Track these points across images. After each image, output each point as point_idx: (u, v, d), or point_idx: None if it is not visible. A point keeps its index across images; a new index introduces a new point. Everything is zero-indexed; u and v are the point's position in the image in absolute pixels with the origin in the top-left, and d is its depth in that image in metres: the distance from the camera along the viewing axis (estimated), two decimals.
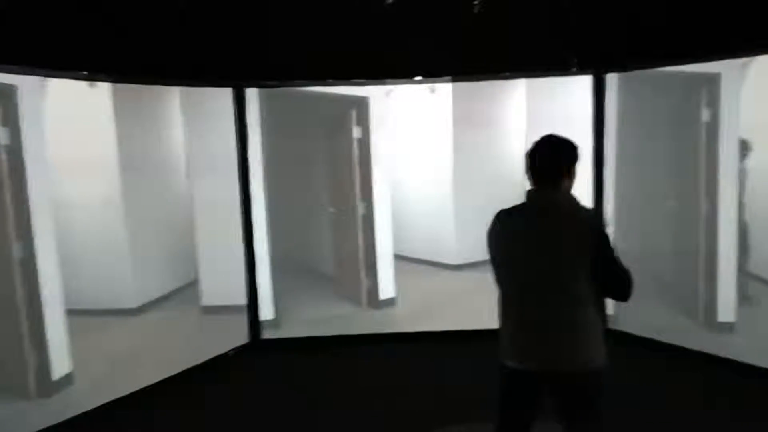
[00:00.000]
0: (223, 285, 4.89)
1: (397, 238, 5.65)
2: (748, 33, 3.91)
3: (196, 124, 4.82)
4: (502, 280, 2.38)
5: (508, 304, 2.36)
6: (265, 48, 4.60)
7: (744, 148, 4.29)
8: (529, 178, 2.31)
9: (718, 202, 4.31)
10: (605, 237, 2.18)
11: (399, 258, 5.75)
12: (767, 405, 3.66)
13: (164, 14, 4.18)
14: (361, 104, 5.38)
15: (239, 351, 4.76)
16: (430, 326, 5.02)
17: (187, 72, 4.36)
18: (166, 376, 4.21)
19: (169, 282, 5.22)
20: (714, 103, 4.32)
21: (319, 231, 6.28)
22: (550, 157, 2.27)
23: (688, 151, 4.56)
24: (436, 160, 6.55)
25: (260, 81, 4.73)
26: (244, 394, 4.14)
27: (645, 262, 4.72)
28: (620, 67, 4.67)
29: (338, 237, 6.00)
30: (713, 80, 4.32)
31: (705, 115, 4.39)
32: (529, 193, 2.31)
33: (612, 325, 4.69)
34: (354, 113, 5.44)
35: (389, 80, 5.15)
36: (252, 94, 4.73)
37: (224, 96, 4.63)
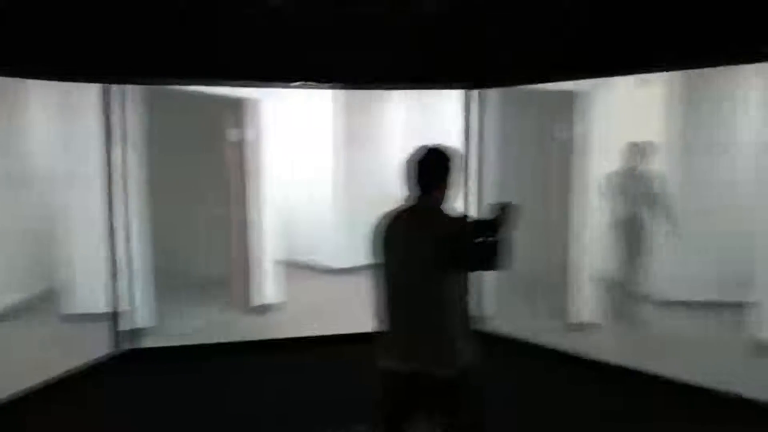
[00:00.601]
0: (89, 293, 4.65)
1: (283, 243, 5.63)
2: (608, 55, 4.32)
3: (60, 125, 4.52)
4: (381, 282, 2.46)
5: (383, 308, 2.46)
6: (143, 46, 4.39)
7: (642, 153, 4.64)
8: (407, 186, 2.41)
9: (573, 213, 4.70)
10: (463, 230, 2.32)
11: (284, 263, 5.74)
12: (623, 400, 4.00)
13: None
14: (248, 106, 5.31)
15: (109, 360, 4.53)
16: (312, 331, 5.05)
17: (55, 67, 4.07)
18: (24, 387, 3.90)
19: (29, 289, 4.88)
20: (580, 119, 4.70)
21: (204, 236, 6.10)
22: (427, 166, 2.38)
23: (553, 164, 4.91)
24: (319, 166, 6.60)
25: (135, 78, 4.49)
26: (114, 405, 3.95)
27: (518, 264, 5.06)
28: (490, 83, 4.98)
29: (223, 242, 5.87)
30: (578, 97, 4.70)
31: (569, 130, 4.77)
32: (407, 200, 2.42)
33: (485, 327, 4.98)
34: (240, 115, 5.35)
35: (274, 83, 5.10)
36: (131, 93, 4.51)
37: (92, 94, 4.36)
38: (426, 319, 2.34)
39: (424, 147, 2.43)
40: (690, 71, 4.04)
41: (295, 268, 6.42)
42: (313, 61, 4.76)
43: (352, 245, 6.28)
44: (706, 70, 4.00)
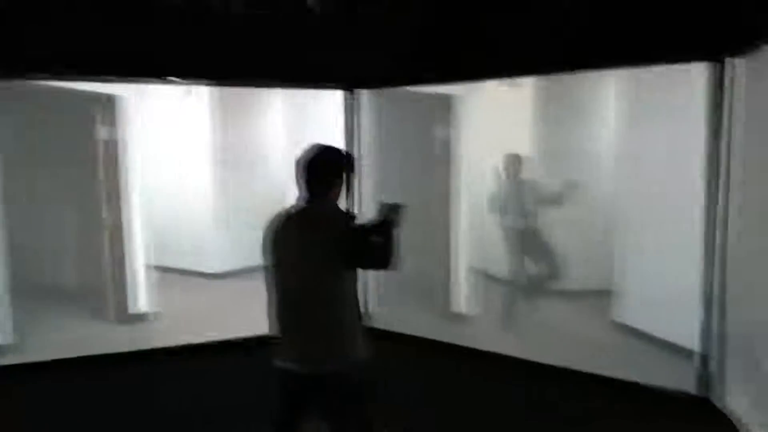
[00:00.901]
0: None
1: (154, 248, 5.35)
2: (478, 61, 4.56)
3: None
4: (271, 282, 2.44)
5: (275, 308, 2.44)
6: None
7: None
8: (298, 185, 2.40)
9: (454, 210, 4.92)
10: (355, 230, 2.33)
11: (157, 269, 5.45)
12: (500, 385, 4.28)
13: None
14: (110, 103, 4.99)
15: None
16: (188, 339, 4.85)
17: None
18: None
19: None
20: (456, 121, 4.91)
21: (67, 243, 5.64)
22: (318, 166, 2.38)
23: (430, 163, 5.09)
24: (196, 166, 6.34)
25: None
26: None
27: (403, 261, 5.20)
28: (370, 85, 5.08)
29: (87, 248, 5.46)
30: (454, 100, 4.91)
31: (447, 131, 4.97)
32: (297, 200, 2.41)
33: (368, 323, 5.07)
34: (101, 112, 5.01)
35: (140, 79, 4.86)
36: None
37: None
38: (317, 318, 2.35)
39: (314, 146, 2.43)
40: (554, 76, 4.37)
41: (172, 273, 6.14)
42: (186, 58, 4.59)
43: (232, 248, 6.12)
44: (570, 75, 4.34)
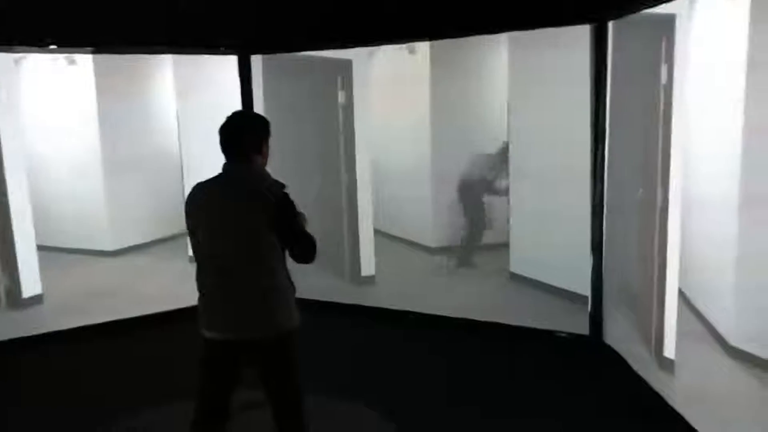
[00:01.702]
0: None
1: (42, 226, 5.01)
2: (369, 27, 4.60)
3: None
4: (197, 252, 2.41)
5: (203, 276, 2.40)
6: None
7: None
8: (223, 153, 2.36)
9: (356, 174, 4.98)
10: (286, 206, 2.31)
11: (45, 249, 5.11)
12: (405, 340, 4.49)
13: None
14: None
15: None
16: (83, 321, 4.70)
17: None
18: None
19: None
20: (348, 86, 4.93)
21: None
22: (238, 133, 2.36)
23: (329, 128, 5.10)
24: (80, 137, 5.95)
25: None
26: None
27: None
28: (264, 50, 4.99)
29: None
30: (346, 66, 4.93)
31: (341, 96, 4.99)
32: (223, 167, 2.37)
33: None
34: None
35: (16, 46, 4.50)
36: None
37: None
38: (253, 285, 2.33)
39: (236, 113, 2.42)
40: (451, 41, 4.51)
41: (66, 253, 5.78)
42: (66, 23, 4.31)
43: (125, 225, 5.84)
44: (460, 40, 4.49)
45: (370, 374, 3.95)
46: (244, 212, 2.30)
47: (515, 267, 4.63)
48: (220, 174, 2.39)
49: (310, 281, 5.07)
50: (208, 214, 2.36)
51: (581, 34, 3.96)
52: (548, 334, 4.35)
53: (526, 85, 4.36)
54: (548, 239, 4.37)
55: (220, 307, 2.37)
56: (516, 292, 4.63)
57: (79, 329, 4.65)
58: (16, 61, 4.83)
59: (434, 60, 4.71)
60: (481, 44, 4.55)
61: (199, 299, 2.43)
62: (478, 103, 4.80)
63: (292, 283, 2.45)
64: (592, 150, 4.06)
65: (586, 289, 4.22)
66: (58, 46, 4.67)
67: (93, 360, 4.26)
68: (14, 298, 4.91)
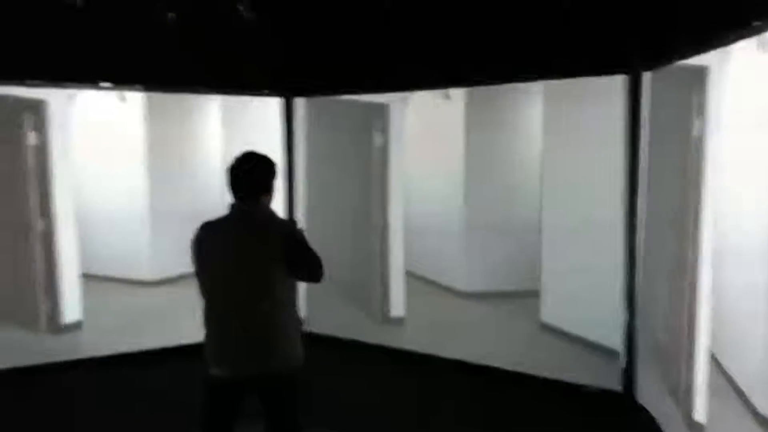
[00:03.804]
0: None
1: (86, 255, 5.22)
2: (406, 72, 4.69)
3: None
4: (205, 290, 2.45)
5: (210, 313, 2.44)
6: None
7: None
8: (230, 192, 2.42)
9: (389, 215, 5.02)
10: (295, 236, 2.38)
11: (89, 277, 5.31)
12: (429, 385, 4.41)
13: None
14: (38, 108, 4.86)
15: None
16: (120, 348, 4.77)
17: None
18: None
19: None
20: (384, 129, 5.02)
21: None
22: (248, 173, 2.42)
23: (364, 170, 5.18)
24: (127, 172, 6.23)
25: None
26: None
27: (331, 268, 5.25)
28: (307, 92, 5.14)
29: (11, 257, 5.28)
30: (383, 109, 5.02)
31: (377, 139, 5.07)
32: (231, 206, 2.43)
33: (303, 327, 5.11)
34: (29, 118, 4.88)
35: (71, 84, 4.77)
36: None
37: None
38: (256, 324, 2.37)
39: (246, 153, 2.47)
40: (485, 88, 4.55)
41: (103, 281, 5.99)
42: (118, 63, 4.54)
43: (165, 256, 6.02)
44: (499, 88, 4.52)
45: (386, 416, 3.88)
46: (255, 249, 2.35)
47: (546, 317, 4.54)
48: (228, 213, 2.45)
49: (338, 319, 5.12)
50: (218, 251, 2.41)
51: (616, 84, 3.94)
52: (578, 389, 4.21)
53: (560, 135, 4.34)
54: (580, 291, 4.28)
55: (227, 344, 2.41)
56: (546, 343, 4.53)
57: (113, 357, 4.74)
58: (70, 97, 5.10)
59: (469, 107, 4.77)
60: (516, 93, 4.58)
61: (207, 336, 2.46)
62: (512, 152, 4.81)
63: (299, 320, 2.47)
64: (625, 202, 3.98)
65: (618, 344, 4.08)
66: (112, 84, 4.91)
67: (123, 388, 4.32)
68: (55, 324, 5.09)
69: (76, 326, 5.13)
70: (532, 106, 4.47)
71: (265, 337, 2.37)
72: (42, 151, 4.93)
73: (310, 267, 2.40)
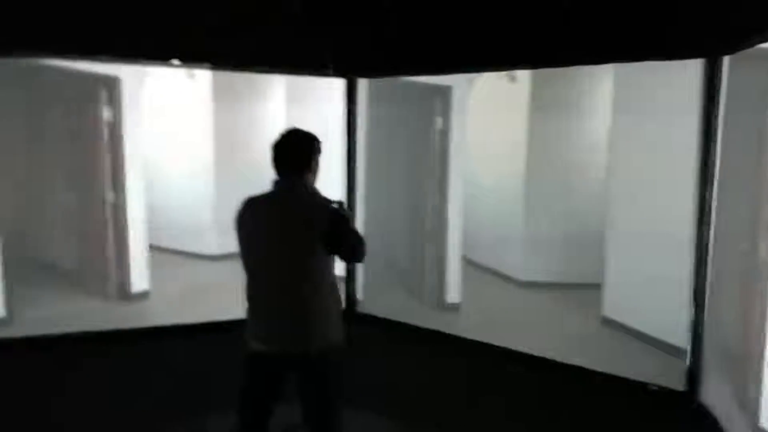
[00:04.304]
0: None
1: (152, 228, 5.43)
2: (473, 54, 4.57)
3: None
4: (247, 264, 2.47)
5: (252, 289, 2.47)
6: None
7: None
8: (274, 168, 2.44)
9: (448, 200, 4.95)
10: (338, 215, 2.36)
11: (156, 249, 5.54)
12: (482, 374, 4.34)
13: None
14: (112, 84, 5.06)
15: None
16: (185, 319, 4.92)
17: None
18: None
19: None
20: (446, 112, 4.94)
21: (59, 222, 5.74)
22: (292, 150, 2.43)
23: (424, 153, 5.13)
24: (196, 146, 6.41)
25: None
26: None
27: (389, 251, 5.25)
28: (370, 73, 5.10)
29: (83, 227, 5.56)
30: (446, 91, 4.93)
31: (438, 122, 5.00)
32: (274, 182, 2.44)
33: (359, 309, 5.14)
34: (103, 93, 5.08)
35: (143, 61, 4.91)
36: None
37: None
38: (299, 299, 2.38)
39: (290, 130, 2.48)
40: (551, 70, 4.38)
41: (170, 254, 6.22)
42: (188, 41, 4.64)
43: (227, 232, 6.17)
44: (566, 69, 4.35)
45: (433, 403, 3.86)
46: (296, 226, 2.35)
47: (608, 311, 4.37)
48: (271, 189, 2.46)
49: (393, 302, 5.12)
50: (261, 227, 2.43)
51: (693, 67, 3.70)
52: (640, 386, 4.04)
53: (629, 120, 4.14)
54: (646, 285, 4.09)
55: (268, 320, 2.44)
56: (607, 337, 4.37)
57: (177, 326, 4.90)
58: (141, 74, 5.27)
59: (535, 89, 4.61)
60: (584, 75, 4.39)
61: (249, 311, 2.49)
62: (577, 136, 4.63)
63: (339, 299, 2.48)
64: (698, 194, 3.75)
65: (684, 342, 3.88)
66: (181, 62, 5.03)
67: (185, 357, 4.46)
68: (124, 293, 5.33)
69: (144, 296, 5.37)
70: (599, 89, 4.28)
71: (304, 315, 2.39)
72: (115, 126, 5.13)
73: (351, 246, 2.39)
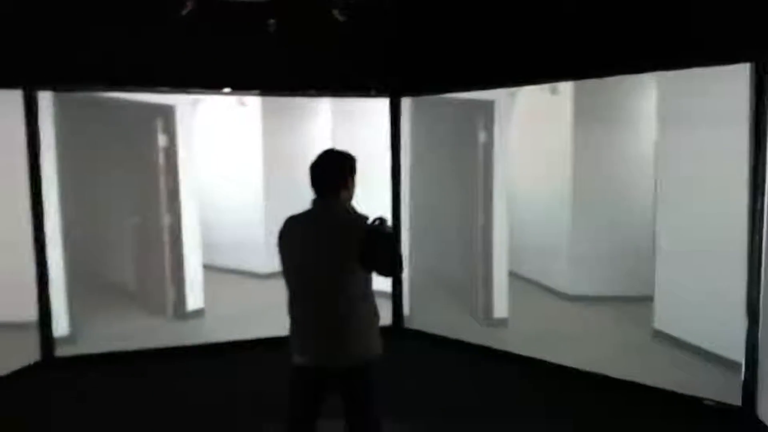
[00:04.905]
0: (10, 300, 4.53)
1: (206, 248, 5.63)
2: (514, 68, 4.60)
3: None
4: (289, 282, 2.56)
5: (293, 305, 2.56)
6: (62, 49, 4.37)
7: None
8: (312, 188, 2.53)
9: (493, 214, 4.96)
10: (374, 233, 2.43)
11: (210, 268, 5.74)
12: (532, 389, 4.31)
13: None
14: (167, 113, 5.32)
15: (30, 368, 4.44)
16: (238, 335, 5.07)
17: None
18: None
19: None
20: (489, 126, 4.97)
21: (121, 243, 6.03)
22: (327, 170, 2.51)
23: (469, 168, 5.16)
24: (246, 170, 6.63)
25: (55, 84, 4.49)
26: (36, 413, 3.88)
27: (435, 267, 5.28)
28: (413, 92, 5.20)
29: (142, 248, 5.83)
30: (488, 106, 4.97)
31: (482, 136, 5.03)
32: (312, 201, 2.53)
33: (405, 324, 5.19)
34: (159, 121, 5.35)
35: (196, 90, 5.16)
36: (45, 99, 4.47)
37: (12, 99, 4.32)
38: (335, 316, 2.45)
39: (326, 151, 2.56)
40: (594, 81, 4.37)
41: (224, 273, 6.42)
42: (237, 70, 4.85)
43: (276, 251, 6.32)
44: (608, 80, 4.33)
45: (479, 418, 3.84)
46: (333, 243, 2.43)
47: (660, 324, 4.28)
48: (310, 208, 2.54)
49: (440, 317, 5.13)
50: (299, 245, 2.51)
51: (742, 72, 3.62)
52: (694, 401, 3.93)
53: (676, 128, 4.07)
54: (698, 297, 3.99)
55: (309, 336, 2.51)
56: (659, 351, 4.27)
57: (232, 343, 5.05)
58: (194, 102, 5.53)
59: (577, 101, 4.60)
60: (626, 86, 4.35)
61: (291, 326, 2.58)
62: (623, 146, 4.57)
63: (377, 311, 2.55)
64: (749, 203, 3.66)
65: (739, 356, 3.76)
66: (231, 90, 5.25)
67: (239, 372, 4.60)
68: (180, 311, 5.54)
69: (199, 313, 5.56)
70: (645, 98, 4.23)
71: (344, 329, 2.46)
72: (170, 151, 5.39)
73: (387, 263, 2.45)
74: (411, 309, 5.20)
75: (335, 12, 4.00)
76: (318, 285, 2.46)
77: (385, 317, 4.95)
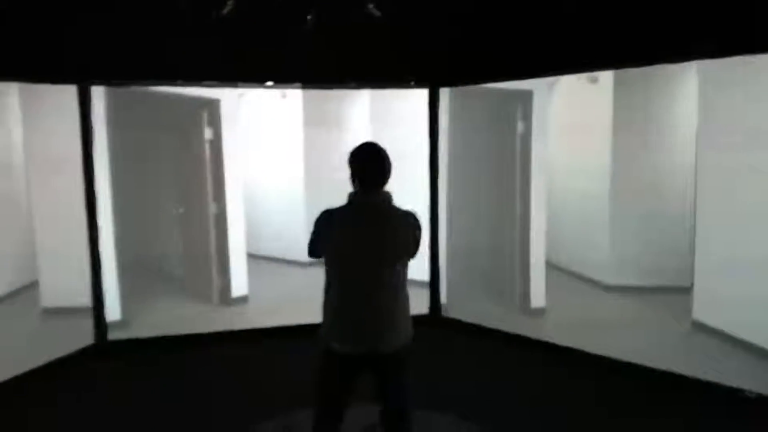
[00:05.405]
0: (65, 286, 4.77)
1: (249, 237, 5.80)
2: (554, 57, 4.59)
3: (36, 122, 4.67)
4: (332, 272, 2.62)
5: (337, 293, 2.60)
6: (112, 45, 4.56)
7: None
8: (354, 181, 2.56)
9: (531, 204, 4.98)
10: (419, 227, 2.64)
11: (254, 256, 5.91)
12: (570, 379, 4.33)
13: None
14: (213, 106, 5.49)
15: (84, 352, 4.68)
16: (281, 322, 5.21)
17: (28, 68, 4.23)
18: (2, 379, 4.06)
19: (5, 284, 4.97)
20: (527, 117, 4.97)
21: (169, 231, 6.26)
22: (378, 164, 2.54)
23: (506, 159, 5.18)
24: (288, 161, 6.78)
25: (106, 79, 4.69)
26: (91, 396, 4.10)
27: (472, 257, 5.33)
28: (451, 82, 5.23)
29: (189, 237, 6.04)
30: (527, 96, 4.97)
31: (520, 127, 5.04)
32: (356, 195, 2.56)
33: (444, 313, 5.26)
34: (205, 114, 5.53)
35: (241, 83, 5.31)
36: (98, 93, 4.67)
37: (67, 93, 4.54)
38: (385, 304, 2.56)
39: (371, 144, 2.60)
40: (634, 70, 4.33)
41: (266, 261, 6.60)
42: (279, 64, 4.96)
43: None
44: (648, 69, 4.28)
45: (516, 408, 3.89)
46: (382, 237, 2.54)
47: (699, 314, 4.24)
48: (353, 202, 2.57)
49: (478, 307, 5.18)
50: (345, 238, 2.55)
51: None
52: (734, 392, 3.90)
53: (717, 117, 4.01)
54: (739, 287, 3.94)
55: (360, 323, 2.56)
56: (699, 342, 4.23)
57: (275, 328, 5.19)
58: (239, 96, 5.68)
59: (617, 90, 4.56)
60: (668, 73, 4.29)
61: (330, 315, 2.62)
62: (663, 136, 4.52)
63: (409, 298, 2.69)
64: None
65: None
66: (274, 83, 5.38)
67: (279, 356, 4.73)
68: (226, 297, 5.74)
69: (243, 300, 5.74)
70: (687, 86, 4.17)
71: (392, 317, 2.57)
72: (216, 143, 5.56)
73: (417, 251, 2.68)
74: (448, 298, 5.27)
75: (370, 6, 4.06)
76: (365, 275, 2.54)
77: (423, 307, 5.11)
